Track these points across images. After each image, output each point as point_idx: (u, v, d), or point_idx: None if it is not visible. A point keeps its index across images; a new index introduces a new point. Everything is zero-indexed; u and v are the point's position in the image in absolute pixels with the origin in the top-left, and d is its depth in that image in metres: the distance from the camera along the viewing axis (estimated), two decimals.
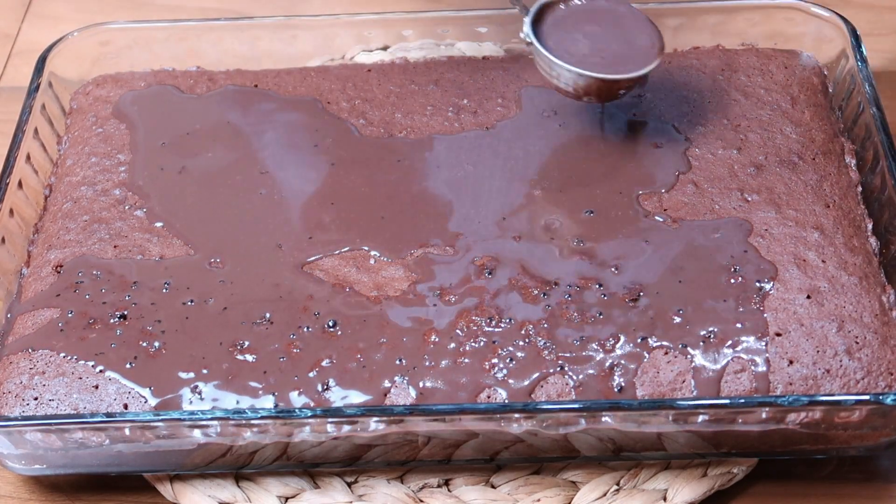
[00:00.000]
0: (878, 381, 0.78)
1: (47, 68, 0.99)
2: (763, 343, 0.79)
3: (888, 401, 0.75)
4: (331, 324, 0.82)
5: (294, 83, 0.99)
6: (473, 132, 0.94)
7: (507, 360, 0.79)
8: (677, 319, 0.80)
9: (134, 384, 0.80)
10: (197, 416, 0.77)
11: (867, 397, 0.76)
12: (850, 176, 0.90)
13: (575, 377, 0.78)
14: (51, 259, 0.87)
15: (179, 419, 0.77)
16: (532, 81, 0.97)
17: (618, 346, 0.79)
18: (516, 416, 0.77)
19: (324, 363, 0.80)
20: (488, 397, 0.78)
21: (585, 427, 0.77)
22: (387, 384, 0.79)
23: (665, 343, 0.79)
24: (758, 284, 0.82)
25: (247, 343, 0.81)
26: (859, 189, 0.89)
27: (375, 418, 0.77)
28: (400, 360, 0.80)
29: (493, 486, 0.82)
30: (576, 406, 0.76)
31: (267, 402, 0.79)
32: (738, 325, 0.80)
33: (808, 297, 0.81)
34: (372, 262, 0.86)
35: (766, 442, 0.79)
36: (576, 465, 0.82)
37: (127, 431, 0.78)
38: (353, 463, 0.82)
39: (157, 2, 1.20)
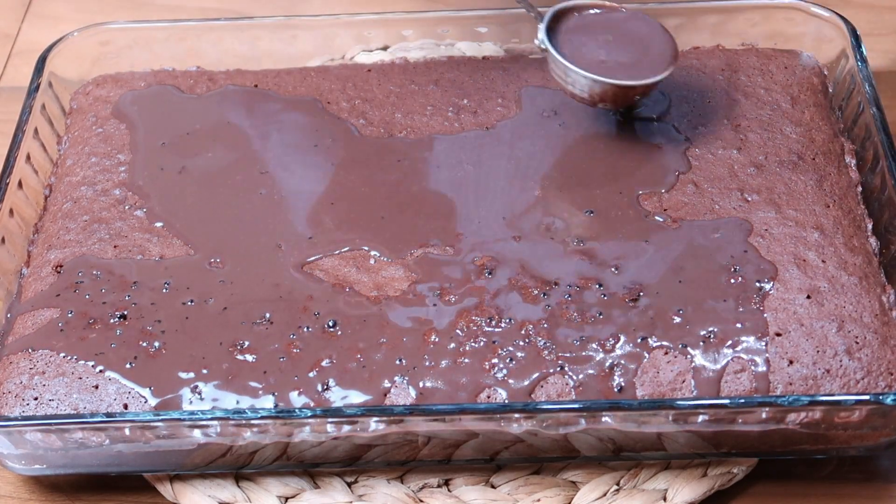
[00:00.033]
0: (878, 381, 0.78)
1: (47, 68, 0.99)
2: (763, 343, 0.79)
3: (888, 401, 0.75)
4: (331, 324, 0.82)
5: (294, 83, 0.99)
6: (473, 132, 0.94)
7: (507, 360, 0.79)
8: (677, 319, 0.80)
9: (134, 384, 0.80)
10: (197, 416, 0.77)
11: (867, 397, 0.76)
12: (850, 176, 0.90)
13: (575, 377, 0.78)
14: (51, 259, 0.87)
15: (179, 419, 0.77)
16: (532, 81, 0.97)
17: (618, 346, 0.79)
18: (516, 416, 0.77)
19: (324, 363, 0.80)
20: (488, 397, 0.78)
21: (585, 427, 0.77)
22: (387, 384, 0.79)
23: (665, 343, 0.79)
24: (758, 284, 0.82)
25: (247, 343, 0.81)
26: (859, 189, 0.89)
27: (375, 418, 0.77)
28: (400, 360, 0.80)
29: (493, 486, 0.82)
30: (576, 406, 0.76)
31: (267, 402, 0.79)
32: (738, 325, 0.80)
33: (808, 297, 0.81)
34: (372, 262, 0.86)
35: (766, 442, 0.79)
36: (576, 465, 0.82)
37: (127, 431, 0.78)
38: (353, 463, 0.82)
39: (157, 2, 1.20)
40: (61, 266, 0.87)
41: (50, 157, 0.96)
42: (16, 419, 0.79)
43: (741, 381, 0.78)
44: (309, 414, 0.77)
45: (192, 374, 0.80)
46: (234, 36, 1.03)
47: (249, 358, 0.80)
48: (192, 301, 0.84)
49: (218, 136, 0.95)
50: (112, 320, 0.83)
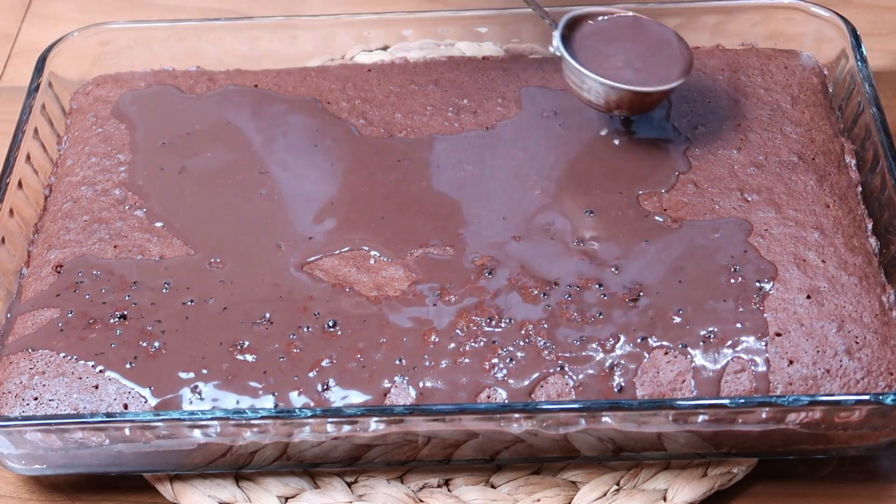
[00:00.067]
0: (878, 381, 0.78)
1: (47, 68, 0.99)
2: (763, 343, 0.79)
3: (888, 401, 0.75)
4: (331, 324, 0.82)
5: (294, 83, 0.99)
6: (473, 132, 0.94)
7: (507, 360, 0.79)
8: (677, 319, 0.80)
9: (134, 384, 0.80)
10: (197, 416, 0.77)
11: (867, 397, 0.76)
12: (850, 176, 0.90)
13: (575, 377, 0.78)
14: (51, 259, 0.87)
15: (179, 419, 0.77)
16: (532, 81, 0.97)
17: (618, 346, 0.79)
18: (516, 416, 0.77)
19: (324, 363, 0.80)
20: (488, 397, 0.78)
21: (585, 427, 0.77)
22: (387, 384, 0.79)
23: (665, 343, 0.79)
24: (758, 284, 0.82)
25: (247, 343, 0.81)
26: (859, 189, 0.89)
27: (375, 418, 0.77)
28: (400, 360, 0.80)
29: (493, 486, 0.82)
30: (576, 406, 0.76)
31: (267, 402, 0.79)
32: (738, 325, 0.80)
33: (808, 297, 0.81)
34: (372, 262, 0.86)
35: (766, 442, 0.79)
36: (576, 465, 0.82)
37: (127, 431, 0.78)
38: (353, 463, 0.82)
39: (157, 2, 1.20)
40: (61, 266, 0.87)
41: (50, 157, 0.96)
42: (16, 419, 0.79)
43: (741, 381, 0.78)
44: (309, 414, 0.77)
45: (192, 374, 0.80)
46: (234, 36, 1.03)
47: (249, 358, 0.80)
48: (192, 301, 0.84)
49: (218, 136, 0.95)
50: (112, 320, 0.83)
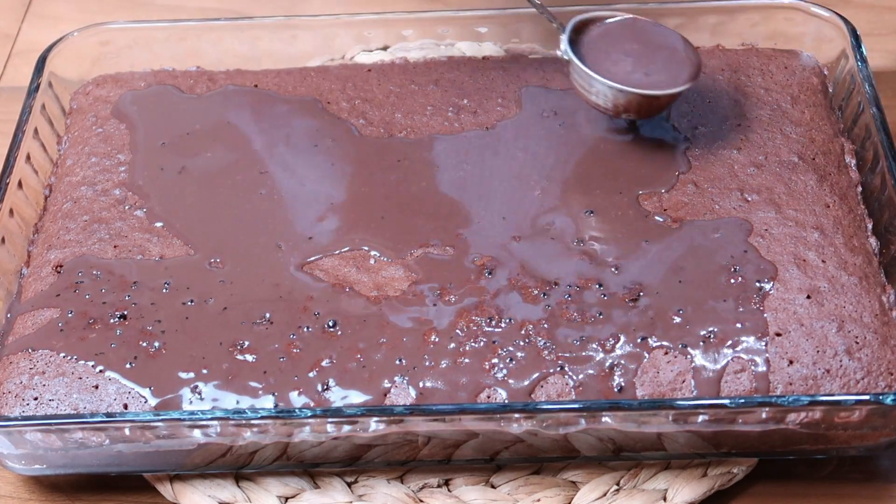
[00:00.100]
0: (878, 381, 0.78)
1: (47, 68, 0.99)
2: (763, 343, 0.79)
3: (888, 401, 0.75)
4: (331, 324, 0.82)
5: (294, 83, 0.99)
6: (473, 132, 0.94)
7: (507, 360, 0.79)
8: (677, 319, 0.80)
9: (134, 384, 0.80)
10: (197, 416, 0.77)
11: (867, 397, 0.76)
12: (850, 176, 0.90)
13: (575, 377, 0.78)
14: (51, 259, 0.87)
15: (179, 419, 0.77)
16: (532, 81, 0.97)
17: (618, 346, 0.79)
18: (516, 416, 0.77)
19: (324, 363, 0.80)
20: (488, 397, 0.78)
21: (585, 427, 0.77)
22: (387, 384, 0.79)
23: (665, 343, 0.79)
24: (758, 284, 0.82)
25: (247, 343, 0.81)
26: (859, 189, 0.89)
27: (375, 418, 0.77)
28: (400, 360, 0.80)
29: (493, 486, 0.82)
30: (576, 406, 0.76)
31: (267, 402, 0.79)
32: (738, 325, 0.80)
33: (808, 297, 0.81)
34: (372, 262, 0.86)
35: (766, 442, 0.79)
36: (576, 465, 0.82)
37: (127, 431, 0.78)
38: (353, 463, 0.82)
39: (157, 2, 1.20)
40: (61, 266, 0.87)
41: (50, 157, 0.96)
42: (16, 419, 0.79)
43: (741, 381, 0.78)
44: (309, 414, 0.77)
45: (192, 374, 0.80)
46: (234, 36, 1.03)
47: (249, 358, 0.80)
48: (192, 301, 0.84)
49: (218, 136, 0.95)
50: (112, 320, 0.83)
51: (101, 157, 0.94)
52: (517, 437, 0.80)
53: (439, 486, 0.83)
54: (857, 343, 0.79)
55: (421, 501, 0.82)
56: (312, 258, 0.86)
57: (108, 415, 0.78)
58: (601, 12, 0.92)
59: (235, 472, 0.83)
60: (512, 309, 0.82)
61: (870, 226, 0.87)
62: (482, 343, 0.80)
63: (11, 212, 0.90)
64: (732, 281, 0.82)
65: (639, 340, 0.80)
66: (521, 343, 0.80)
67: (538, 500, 0.81)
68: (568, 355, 0.79)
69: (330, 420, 0.77)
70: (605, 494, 0.81)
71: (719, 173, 0.89)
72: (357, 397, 0.79)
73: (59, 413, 0.79)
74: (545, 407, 0.76)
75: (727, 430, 0.78)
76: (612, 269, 0.83)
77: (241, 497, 0.82)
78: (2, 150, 0.94)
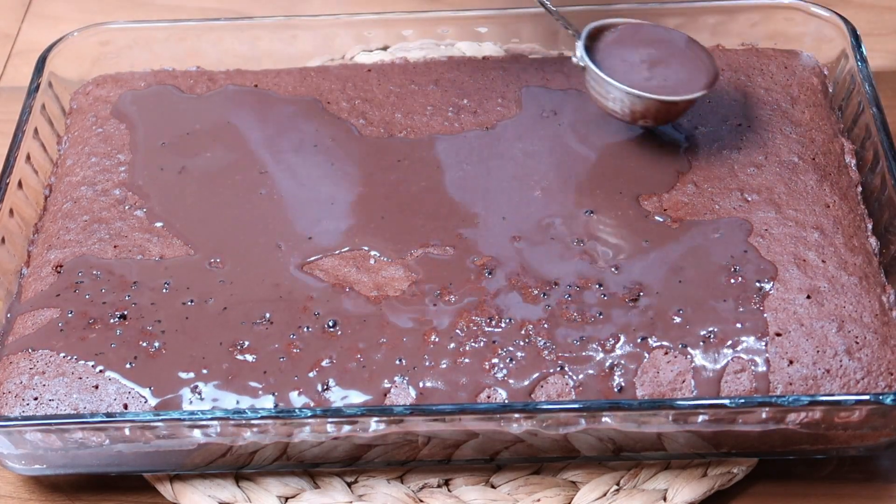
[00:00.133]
0: (878, 381, 0.78)
1: (47, 68, 0.99)
2: (763, 343, 0.79)
3: (888, 401, 0.75)
4: (331, 324, 0.82)
5: (294, 83, 0.99)
6: (473, 132, 0.94)
7: (507, 360, 0.79)
8: (677, 319, 0.80)
9: (134, 384, 0.80)
10: (197, 416, 0.77)
11: (867, 397, 0.76)
12: (850, 176, 0.90)
13: (575, 377, 0.78)
14: (51, 259, 0.87)
15: (179, 419, 0.77)
16: (532, 81, 0.97)
17: (618, 346, 0.79)
18: (516, 416, 0.76)
19: (324, 363, 0.80)
20: (488, 397, 0.78)
21: (585, 427, 0.77)
22: (387, 384, 0.79)
23: (665, 343, 0.79)
24: (758, 284, 0.82)
25: (247, 343, 0.81)
26: (859, 189, 0.89)
27: (375, 418, 0.77)
28: (400, 360, 0.80)
29: (493, 486, 0.82)
30: (576, 406, 0.76)
31: (267, 402, 0.79)
32: (738, 325, 0.80)
33: (808, 297, 0.81)
34: (372, 262, 0.86)
35: (766, 442, 0.79)
36: (576, 465, 0.82)
37: (127, 431, 0.78)
38: (353, 463, 0.82)
39: (157, 2, 1.20)
40: (61, 266, 0.87)
41: (50, 157, 0.96)
42: (16, 419, 0.79)
43: (741, 381, 0.78)
44: (309, 414, 0.77)
45: (192, 374, 0.80)
46: (234, 36, 1.03)
47: (249, 358, 0.80)
48: (192, 301, 0.84)
49: (218, 136, 0.95)
50: (112, 320, 0.83)
51: (101, 157, 0.94)
52: (517, 437, 0.80)
53: (439, 486, 0.83)
54: (857, 343, 0.79)
55: (421, 501, 0.82)
56: (312, 258, 0.86)
57: (108, 415, 0.78)
58: (616, 19, 0.92)
59: (235, 472, 0.83)
60: (512, 309, 0.82)
61: (870, 226, 0.87)
62: (482, 343, 0.80)
63: (11, 212, 0.90)
64: (732, 281, 0.82)
65: (639, 340, 0.80)
66: (521, 343, 0.80)
67: (538, 500, 0.81)
68: (568, 355, 0.79)
69: (330, 420, 0.77)
70: (605, 494, 0.81)
71: (719, 173, 0.89)
72: (357, 397, 0.79)
73: (59, 413, 0.79)
74: (545, 407, 0.76)
75: (727, 430, 0.78)
76: (612, 269, 0.83)
77: (241, 497, 0.82)
78: (2, 150, 0.94)
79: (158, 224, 0.89)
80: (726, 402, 0.76)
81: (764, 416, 0.76)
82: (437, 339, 0.80)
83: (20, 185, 0.92)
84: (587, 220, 0.87)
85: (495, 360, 0.79)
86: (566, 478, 0.82)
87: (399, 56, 1.02)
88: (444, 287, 0.83)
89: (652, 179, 0.89)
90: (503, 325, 0.81)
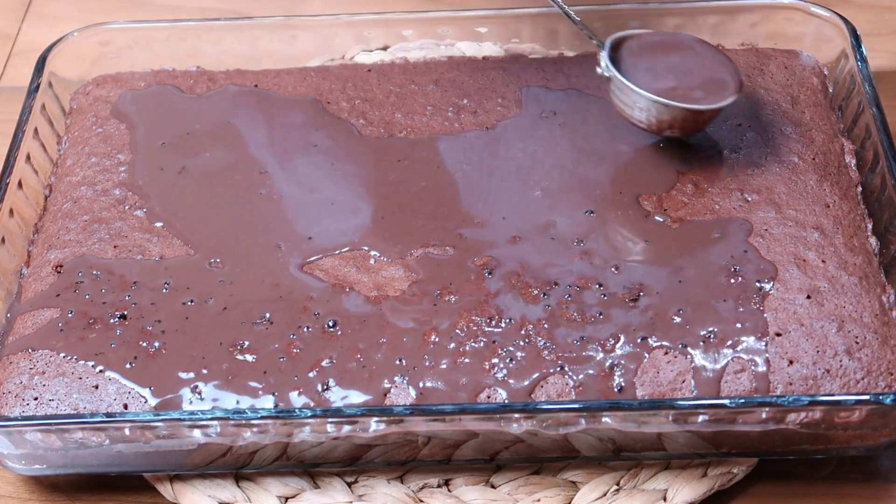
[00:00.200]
0: (878, 381, 0.78)
1: (47, 68, 0.99)
2: (763, 343, 0.79)
3: (888, 401, 0.75)
4: (331, 324, 0.82)
5: (294, 83, 0.99)
6: (473, 132, 0.94)
7: (507, 360, 0.79)
8: (677, 319, 0.80)
9: (134, 384, 0.80)
10: (197, 416, 0.77)
11: (867, 397, 0.76)
12: (850, 176, 0.90)
13: (575, 377, 0.78)
14: (51, 259, 0.87)
15: (179, 419, 0.77)
16: (532, 81, 0.97)
17: (618, 346, 0.79)
18: (516, 416, 0.76)
19: (324, 363, 0.80)
20: (488, 397, 0.78)
21: (585, 427, 0.77)
22: (387, 384, 0.79)
23: (665, 343, 0.79)
24: (758, 284, 0.82)
25: (247, 343, 0.81)
26: (859, 189, 0.89)
27: (375, 418, 0.77)
28: (400, 360, 0.80)
29: (493, 486, 0.82)
30: (576, 406, 0.76)
31: (267, 402, 0.79)
32: (738, 325, 0.80)
33: (808, 297, 0.81)
34: (372, 262, 0.86)
35: (766, 442, 0.79)
36: (576, 465, 0.82)
37: (127, 431, 0.78)
38: (353, 463, 0.82)
39: (157, 2, 1.20)
40: (61, 266, 0.87)
41: (50, 157, 0.96)
42: (16, 419, 0.79)
43: (741, 381, 0.78)
44: (309, 414, 0.77)
45: (192, 374, 0.80)
46: (234, 36, 1.03)
47: (249, 358, 0.80)
48: (192, 301, 0.84)
49: (218, 136, 0.95)
50: (112, 320, 0.83)
51: (101, 157, 0.94)
52: (517, 437, 0.80)
53: (439, 486, 0.83)
54: (857, 343, 0.79)
55: (421, 501, 0.82)
56: (312, 258, 0.86)
57: (108, 415, 0.78)
58: (637, 30, 0.91)
59: (235, 472, 0.83)
60: (512, 309, 0.82)
61: (870, 226, 0.87)
62: (482, 343, 0.80)
63: (11, 212, 0.90)
64: (732, 281, 0.82)
65: (639, 340, 0.80)
66: (521, 343, 0.80)
67: (538, 500, 0.81)
68: (568, 355, 0.79)
69: (330, 420, 0.77)
70: (605, 494, 0.81)
71: (719, 173, 0.89)
72: (357, 397, 0.79)
73: (59, 413, 0.79)
74: (545, 407, 0.76)
75: (727, 430, 0.78)
76: (612, 269, 0.83)
77: (241, 497, 0.82)
78: (2, 150, 0.94)
79: (158, 224, 0.89)
80: (726, 402, 0.76)
81: (764, 416, 0.76)
82: (437, 339, 0.80)
83: (20, 185, 0.92)
84: (587, 220, 0.87)
85: (495, 360, 0.79)
86: (566, 478, 0.82)
87: (399, 56, 1.02)
88: (444, 287, 0.83)
89: (652, 179, 0.89)
90: (503, 325, 0.81)
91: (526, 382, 0.78)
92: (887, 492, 0.82)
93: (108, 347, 0.81)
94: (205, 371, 0.80)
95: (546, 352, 0.79)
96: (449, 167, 0.91)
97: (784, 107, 0.94)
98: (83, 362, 0.81)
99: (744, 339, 0.79)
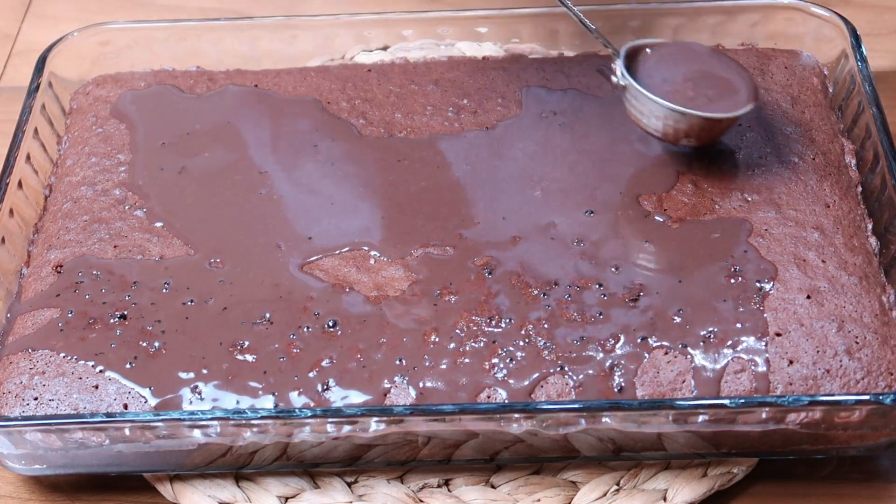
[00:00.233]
0: (878, 381, 0.78)
1: (47, 68, 0.99)
2: (763, 343, 0.79)
3: (888, 401, 0.75)
4: (331, 324, 0.82)
5: (294, 83, 0.99)
6: (473, 132, 0.94)
7: (507, 360, 0.79)
8: (677, 319, 0.80)
9: (134, 384, 0.80)
10: (197, 416, 0.77)
11: (867, 397, 0.76)
12: (850, 176, 0.90)
13: (575, 377, 0.78)
14: (51, 259, 0.87)
15: (179, 419, 0.77)
16: (532, 81, 0.97)
17: (618, 346, 0.79)
18: (516, 416, 0.76)
19: (324, 363, 0.80)
20: (488, 397, 0.78)
21: (585, 427, 0.77)
22: (387, 384, 0.79)
23: (665, 343, 0.79)
24: (758, 284, 0.82)
25: (247, 343, 0.81)
26: (859, 189, 0.89)
27: (375, 418, 0.77)
28: (400, 361, 0.80)
29: (493, 486, 0.82)
30: (576, 406, 0.76)
31: (267, 402, 0.79)
32: (738, 325, 0.80)
33: (808, 297, 0.81)
34: (372, 262, 0.86)
35: (766, 442, 0.79)
36: (576, 465, 0.82)
37: (127, 431, 0.78)
38: (353, 463, 0.82)
39: (157, 2, 1.20)
40: (61, 266, 0.87)
41: (50, 157, 0.96)
42: (16, 419, 0.79)
43: (741, 381, 0.78)
44: (309, 414, 0.77)
45: (192, 374, 0.80)
46: (234, 36, 1.03)
47: (249, 358, 0.80)
48: (192, 301, 0.84)
49: (218, 136, 0.95)
50: (112, 320, 0.83)
51: (101, 157, 0.94)
52: (517, 437, 0.80)
53: (439, 486, 0.83)
54: (857, 343, 0.79)
55: (421, 501, 0.82)
56: (312, 258, 0.86)
57: (108, 415, 0.78)
58: (652, 39, 0.91)
59: (235, 472, 0.83)
60: (512, 309, 0.82)
61: (870, 226, 0.87)
62: (482, 343, 0.80)
63: (11, 212, 0.90)
64: (732, 281, 0.82)
65: (639, 340, 0.80)
66: (521, 343, 0.80)
67: (538, 500, 0.81)
68: (568, 355, 0.79)
69: (330, 420, 0.77)
70: (605, 494, 0.81)
71: (719, 173, 0.89)
72: (357, 397, 0.79)
73: (59, 413, 0.79)
74: (545, 407, 0.76)
75: (727, 430, 0.78)
76: (612, 269, 0.83)
77: (241, 497, 0.82)
78: (2, 150, 0.94)
79: (158, 224, 0.89)
80: (726, 402, 0.76)
81: (764, 416, 0.76)
82: (437, 339, 0.80)
83: (20, 185, 0.92)
84: (587, 220, 0.87)
85: (495, 360, 0.79)
86: (566, 478, 0.82)
87: (399, 56, 1.02)
88: (444, 287, 0.83)
89: (652, 179, 0.89)
90: (503, 325, 0.81)
91: (526, 382, 0.78)
92: (887, 492, 0.82)
93: (108, 347, 0.81)
94: (205, 371, 0.80)
95: (546, 352, 0.79)
96: (449, 167, 0.91)
97: (784, 107, 0.94)
98: (83, 362, 0.81)
99: (744, 339, 0.79)
